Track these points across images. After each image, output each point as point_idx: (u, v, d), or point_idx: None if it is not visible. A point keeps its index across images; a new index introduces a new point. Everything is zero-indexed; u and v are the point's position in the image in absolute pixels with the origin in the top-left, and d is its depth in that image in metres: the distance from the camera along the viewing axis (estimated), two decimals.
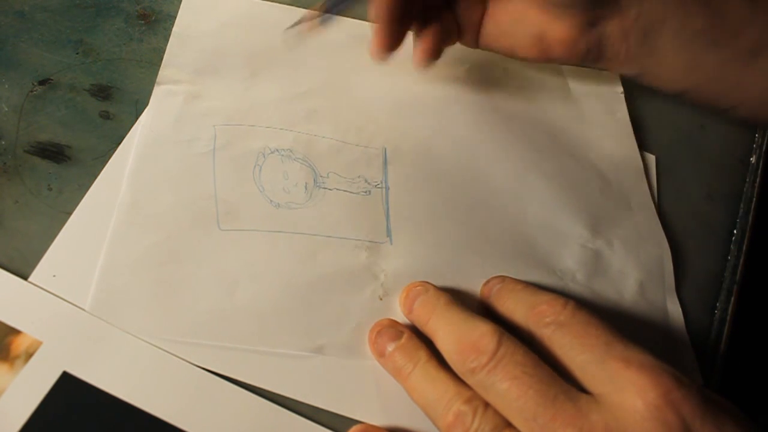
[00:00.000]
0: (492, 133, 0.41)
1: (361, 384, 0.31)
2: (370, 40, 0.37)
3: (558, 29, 0.37)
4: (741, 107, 0.41)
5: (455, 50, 0.40)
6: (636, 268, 0.38)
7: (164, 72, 0.38)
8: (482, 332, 0.27)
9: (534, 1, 0.37)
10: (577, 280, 0.37)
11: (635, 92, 0.46)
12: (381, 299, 0.33)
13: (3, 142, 0.34)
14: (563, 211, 0.39)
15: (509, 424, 0.26)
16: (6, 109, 0.35)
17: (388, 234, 0.35)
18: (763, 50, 0.38)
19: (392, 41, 0.36)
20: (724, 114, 0.42)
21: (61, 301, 0.30)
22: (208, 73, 0.38)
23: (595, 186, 0.41)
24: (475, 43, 0.40)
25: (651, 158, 0.44)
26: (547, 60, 0.39)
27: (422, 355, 0.29)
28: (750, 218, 0.44)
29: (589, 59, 0.39)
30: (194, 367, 0.29)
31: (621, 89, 0.46)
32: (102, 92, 0.37)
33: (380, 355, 0.31)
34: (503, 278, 0.33)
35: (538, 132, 0.42)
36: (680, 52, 0.39)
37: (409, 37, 0.38)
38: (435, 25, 0.37)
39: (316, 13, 0.36)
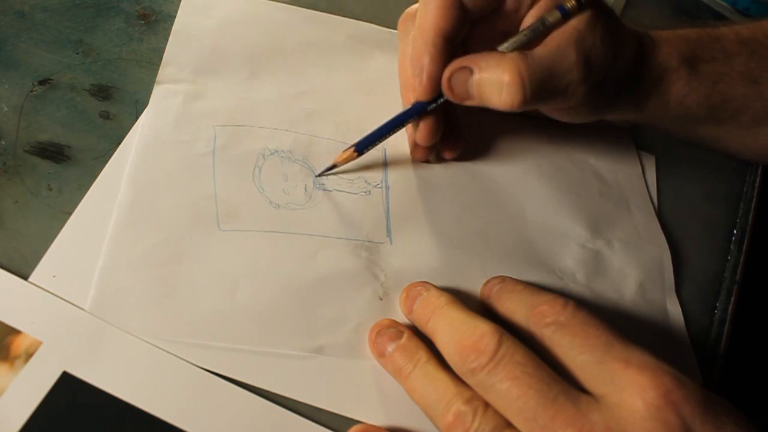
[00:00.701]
0: (492, 133, 0.41)
1: (361, 384, 0.31)
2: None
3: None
4: (740, 156, 0.45)
5: None
6: (636, 268, 0.38)
7: (164, 71, 0.38)
8: (482, 332, 0.27)
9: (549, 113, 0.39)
10: (577, 281, 0.37)
11: None
12: (381, 299, 0.33)
13: (3, 142, 0.34)
14: (563, 212, 0.39)
15: (509, 424, 0.26)
16: (6, 109, 0.35)
17: (388, 234, 0.35)
18: (765, 120, 0.40)
19: (437, 131, 0.37)
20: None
21: (61, 301, 0.30)
22: (208, 73, 0.38)
23: (594, 187, 0.41)
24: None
25: (651, 158, 0.44)
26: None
27: (422, 355, 0.29)
28: (750, 218, 0.44)
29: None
30: (194, 367, 0.29)
31: None
32: (102, 92, 0.37)
33: (380, 355, 0.31)
34: (503, 278, 0.33)
35: (538, 133, 0.42)
36: (678, 127, 0.41)
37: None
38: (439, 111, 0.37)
39: (348, 155, 0.36)
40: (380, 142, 0.36)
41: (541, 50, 0.34)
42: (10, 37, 0.38)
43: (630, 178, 0.42)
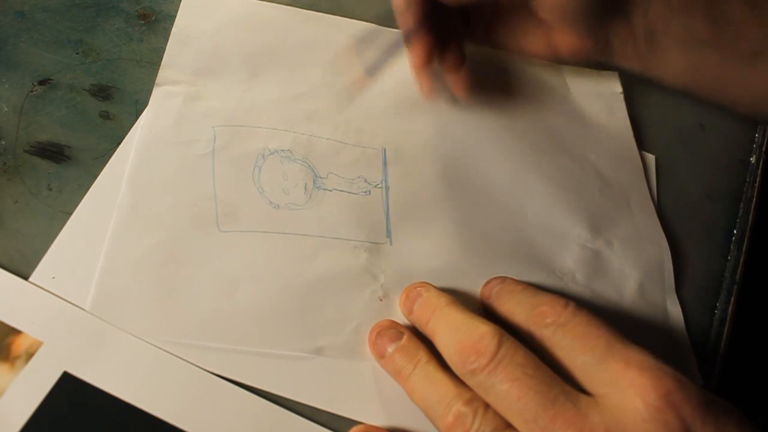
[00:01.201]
0: (492, 133, 0.41)
1: (361, 385, 0.31)
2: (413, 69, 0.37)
3: (566, 33, 0.38)
4: (741, 105, 0.42)
5: None
6: (636, 268, 0.38)
7: (163, 73, 0.38)
8: (482, 333, 0.27)
9: (542, 7, 0.37)
10: (577, 281, 0.37)
11: (635, 92, 0.46)
12: (381, 300, 0.33)
13: (3, 142, 0.34)
14: (563, 212, 0.39)
15: (509, 425, 0.26)
16: (6, 109, 0.35)
17: (388, 235, 0.35)
18: (764, 52, 0.38)
19: (430, 50, 0.37)
20: (725, 109, 0.43)
21: (62, 301, 0.30)
22: (208, 74, 0.38)
23: (594, 186, 0.41)
24: (484, 40, 0.40)
25: (651, 158, 0.44)
26: (554, 59, 0.40)
27: (422, 356, 0.29)
28: (750, 218, 0.44)
29: (594, 57, 0.39)
30: (194, 367, 0.29)
31: (620, 89, 0.46)
32: (102, 92, 0.37)
33: (380, 356, 0.31)
34: (503, 279, 0.33)
35: (538, 132, 0.42)
36: (682, 54, 0.39)
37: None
38: (427, 30, 0.37)
39: (360, 78, 0.37)
40: (387, 60, 0.37)
41: None
42: (10, 37, 0.38)
43: (631, 177, 0.42)
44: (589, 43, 0.38)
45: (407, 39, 0.37)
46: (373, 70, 0.37)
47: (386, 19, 0.44)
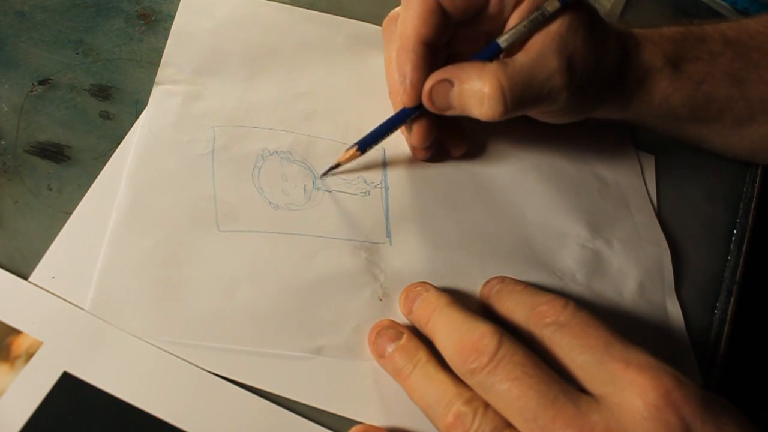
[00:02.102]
0: (491, 134, 0.41)
1: (361, 385, 0.31)
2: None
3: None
4: (726, 155, 0.45)
5: None
6: (635, 268, 0.38)
7: (163, 71, 0.38)
8: (482, 333, 0.27)
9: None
10: (577, 280, 0.37)
11: None
12: (381, 300, 0.33)
13: (3, 142, 0.34)
14: (562, 212, 0.39)
15: (509, 425, 0.26)
16: (6, 109, 0.35)
17: (388, 235, 0.35)
18: (749, 121, 0.40)
19: (430, 130, 0.37)
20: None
21: (62, 301, 0.30)
22: (207, 73, 0.38)
23: (593, 187, 0.41)
24: None
25: (650, 158, 0.44)
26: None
27: (422, 355, 0.29)
28: (750, 218, 0.44)
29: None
30: (194, 367, 0.29)
31: None
32: (102, 92, 0.37)
33: (380, 355, 0.31)
34: (503, 279, 0.33)
35: (537, 133, 0.42)
36: (664, 127, 0.42)
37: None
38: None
39: (351, 154, 0.36)
40: (381, 140, 0.36)
41: (522, 58, 0.34)
42: (10, 37, 0.38)
43: (629, 177, 0.42)
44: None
45: (404, 118, 0.36)
46: (365, 146, 0.36)
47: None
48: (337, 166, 0.36)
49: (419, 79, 0.35)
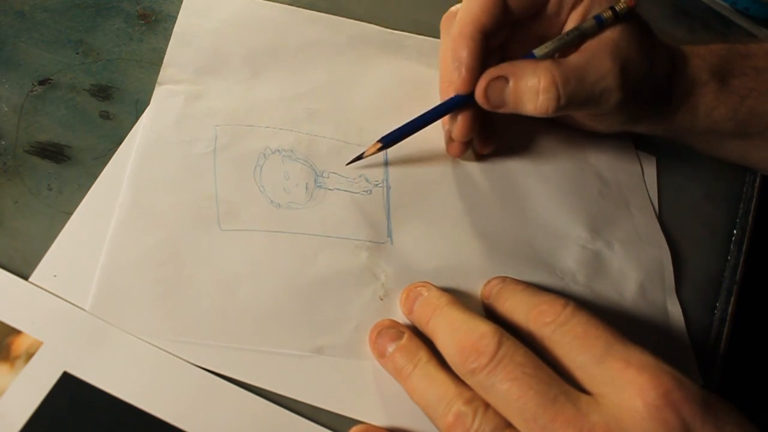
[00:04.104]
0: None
1: (362, 384, 0.31)
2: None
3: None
4: (766, 171, 0.45)
5: None
6: (636, 268, 0.38)
7: (165, 72, 0.38)
8: (482, 333, 0.27)
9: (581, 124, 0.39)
10: (578, 281, 0.37)
11: None
12: (381, 299, 0.33)
13: (3, 142, 0.34)
14: (563, 212, 0.39)
15: (509, 425, 0.26)
16: (6, 109, 0.35)
17: (389, 234, 0.35)
18: None
19: (473, 123, 0.37)
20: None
21: (62, 301, 0.30)
22: (209, 73, 0.38)
23: (594, 187, 0.41)
24: None
25: (651, 159, 0.44)
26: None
27: (422, 355, 0.29)
28: (750, 218, 0.44)
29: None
30: (194, 367, 0.29)
31: None
32: (102, 92, 0.37)
33: (381, 355, 0.31)
34: (504, 279, 0.33)
35: (537, 134, 0.42)
36: (707, 142, 0.42)
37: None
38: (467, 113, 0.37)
39: (375, 148, 0.36)
40: (408, 136, 0.37)
41: (575, 57, 0.35)
42: (10, 37, 0.38)
43: (629, 178, 0.42)
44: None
45: (454, 105, 0.36)
46: (389, 143, 0.36)
47: (386, 20, 0.44)
48: (361, 157, 0.36)
49: (475, 66, 0.35)
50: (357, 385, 0.31)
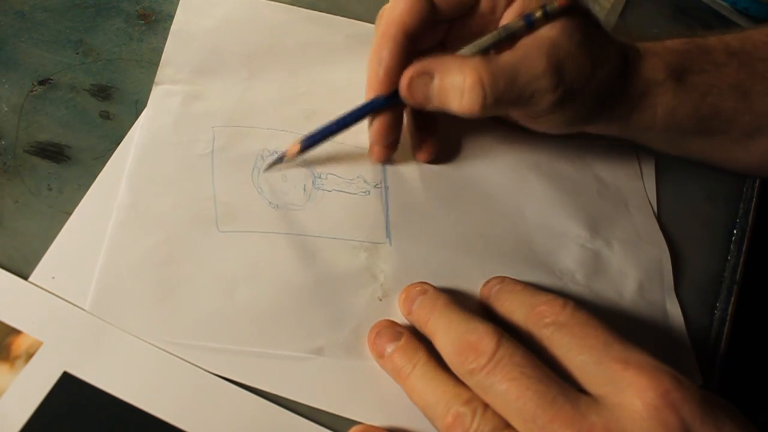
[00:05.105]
0: (491, 134, 0.41)
1: (361, 385, 0.31)
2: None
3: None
4: (731, 169, 0.44)
5: None
6: (635, 268, 0.38)
7: (162, 71, 0.38)
8: (481, 333, 0.27)
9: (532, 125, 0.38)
10: (577, 281, 0.37)
11: None
12: (380, 300, 0.33)
13: (3, 142, 0.34)
14: (562, 212, 0.39)
15: (508, 425, 0.26)
16: (6, 109, 0.35)
17: (388, 235, 0.35)
18: (756, 133, 0.39)
19: (392, 126, 0.36)
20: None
21: (62, 301, 0.30)
22: (207, 73, 0.38)
23: (593, 187, 0.41)
24: None
25: (650, 159, 0.44)
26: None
27: (421, 356, 0.29)
28: (750, 218, 0.44)
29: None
30: (194, 367, 0.29)
31: None
32: (102, 92, 0.37)
33: (379, 356, 0.31)
34: (503, 279, 0.33)
35: (536, 134, 0.42)
36: (668, 142, 0.41)
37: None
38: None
39: (295, 149, 0.35)
40: (330, 138, 0.35)
41: (508, 56, 0.33)
42: (10, 37, 0.38)
43: (628, 178, 0.42)
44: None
45: (372, 108, 0.35)
46: (308, 146, 0.35)
47: None
48: (281, 160, 0.35)
49: (395, 67, 0.34)
50: (356, 385, 0.31)
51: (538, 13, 0.33)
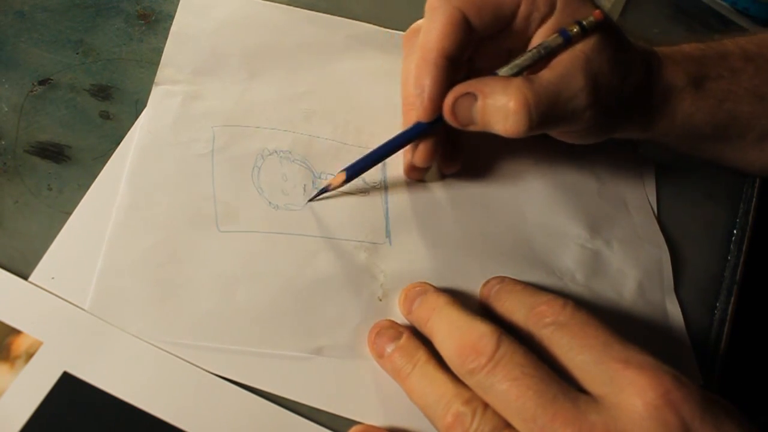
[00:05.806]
0: (491, 134, 0.41)
1: (361, 385, 0.31)
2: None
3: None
4: (744, 171, 0.44)
5: None
6: (635, 268, 0.38)
7: (162, 72, 0.38)
8: (481, 333, 0.27)
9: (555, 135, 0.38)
10: (577, 280, 0.37)
11: None
12: (380, 300, 0.33)
13: (3, 142, 0.34)
14: (562, 212, 0.39)
15: (508, 425, 0.26)
16: (6, 109, 0.35)
17: (387, 235, 0.35)
18: None
19: (433, 150, 0.36)
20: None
21: (62, 301, 0.30)
22: (207, 74, 0.38)
23: (593, 187, 0.41)
24: None
25: (649, 159, 0.44)
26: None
27: (421, 355, 0.29)
28: (750, 218, 0.44)
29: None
30: (194, 366, 0.29)
31: None
32: (102, 92, 0.37)
33: (379, 355, 0.31)
34: (502, 279, 0.33)
35: (536, 135, 0.42)
36: (685, 144, 0.41)
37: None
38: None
39: (340, 179, 0.35)
40: (373, 166, 0.35)
41: (548, 75, 0.33)
42: (10, 37, 0.38)
43: (628, 178, 0.42)
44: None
45: (416, 134, 0.35)
46: (352, 175, 0.35)
47: (385, 20, 0.44)
48: (326, 190, 0.35)
49: (438, 94, 0.34)
50: (356, 385, 0.31)
51: (576, 29, 0.33)
